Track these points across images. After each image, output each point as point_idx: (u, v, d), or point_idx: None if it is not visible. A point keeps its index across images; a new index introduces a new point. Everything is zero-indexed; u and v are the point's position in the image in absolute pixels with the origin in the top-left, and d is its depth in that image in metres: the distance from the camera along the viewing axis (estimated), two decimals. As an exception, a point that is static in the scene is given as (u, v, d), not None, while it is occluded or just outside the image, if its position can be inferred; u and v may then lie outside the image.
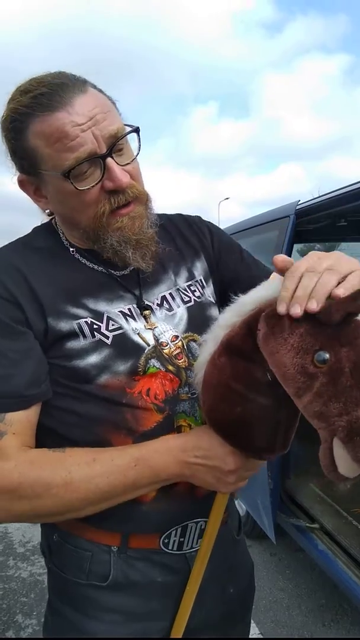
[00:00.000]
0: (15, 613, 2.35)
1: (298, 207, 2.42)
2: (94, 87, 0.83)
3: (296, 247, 3.29)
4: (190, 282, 0.97)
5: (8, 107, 0.81)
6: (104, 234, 0.84)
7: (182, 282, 0.96)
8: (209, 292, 0.99)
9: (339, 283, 0.66)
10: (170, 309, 0.91)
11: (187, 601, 0.89)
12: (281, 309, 0.67)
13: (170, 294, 0.93)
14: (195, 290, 0.96)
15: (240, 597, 1.00)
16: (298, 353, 0.65)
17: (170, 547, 0.88)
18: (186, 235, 1.02)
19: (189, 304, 0.93)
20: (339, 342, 0.64)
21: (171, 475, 0.80)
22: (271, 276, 0.81)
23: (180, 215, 1.07)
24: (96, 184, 0.80)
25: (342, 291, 0.64)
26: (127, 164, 0.83)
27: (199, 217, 1.07)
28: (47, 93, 0.77)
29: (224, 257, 1.03)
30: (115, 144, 0.80)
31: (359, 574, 1.90)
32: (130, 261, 0.86)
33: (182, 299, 0.94)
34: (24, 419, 0.80)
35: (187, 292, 0.95)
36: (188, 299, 0.94)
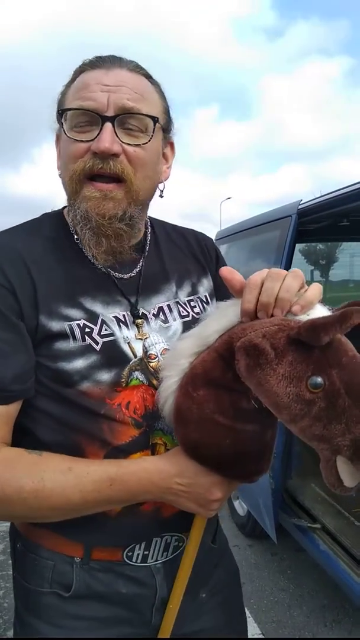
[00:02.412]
0: (17, 612, 2.35)
1: (300, 206, 2.42)
2: (148, 77, 0.85)
3: (298, 246, 3.28)
4: (191, 297, 0.94)
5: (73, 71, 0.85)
6: (74, 201, 0.81)
7: (183, 296, 0.93)
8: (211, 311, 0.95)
9: (299, 290, 0.68)
10: (165, 320, 0.89)
11: (168, 618, 0.88)
12: (245, 320, 0.70)
13: (169, 305, 0.90)
14: (195, 306, 0.93)
15: (217, 599, 0.96)
16: (291, 382, 0.64)
17: (134, 560, 0.85)
18: (196, 252, 0.99)
19: (186, 319, 0.90)
20: (328, 364, 0.64)
21: (151, 498, 0.79)
22: (222, 304, 0.77)
23: (193, 232, 1.05)
24: (87, 140, 0.79)
25: (302, 305, 0.67)
26: (129, 144, 0.80)
27: (211, 240, 1.05)
28: (102, 57, 0.83)
29: (222, 284, 1.02)
30: (121, 115, 0.79)
31: (360, 574, 1.90)
32: (85, 244, 0.82)
33: (179, 313, 0.91)
34: (3, 414, 0.77)
35: (187, 306, 0.92)
36: (186, 313, 0.91)
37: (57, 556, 0.84)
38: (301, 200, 2.49)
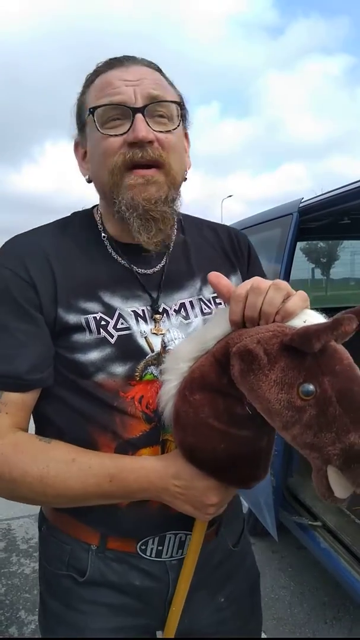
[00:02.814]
0: (18, 609, 2.36)
1: (301, 204, 2.42)
2: (160, 72, 0.89)
3: (299, 244, 3.28)
4: (217, 295, 0.93)
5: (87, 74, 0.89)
6: (117, 194, 0.83)
7: (208, 293, 0.93)
8: None
9: (283, 301, 0.69)
10: (187, 317, 0.89)
11: (172, 621, 0.89)
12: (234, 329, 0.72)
13: (191, 302, 0.91)
14: (220, 303, 0.92)
15: (235, 607, 0.97)
16: (282, 388, 0.64)
17: (148, 554, 0.87)
18: (226, 249, 0.99)
19: (208, 316, 0.90)
20: (321, 372, 0.63)
21: (148, 497, 0.80)
22: (221, 310, 0.79)
23: (227, 228, 1.05)
24: (121, 134, 0.82)
25: (291, 308, 0.68)
26: (160, 131, 0.83)
27: (245, 237, 1.05)
28: (115, 59, 0.87)
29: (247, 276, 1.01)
30: (149, 104, 0.82)
31: (361, 572, 1.90)
32: (134, 232, 0.84)
33: (201, 310, 0.91)
34: (20, 402, 0.81)
35: (211, 303, 0.92)
36: (209, 310, 0.91)
37: (74, 541, 0.88)
38: (302, 198, 2.48)
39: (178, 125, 0.86)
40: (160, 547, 0.87)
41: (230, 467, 0.76)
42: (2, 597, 2.44)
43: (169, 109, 0.85)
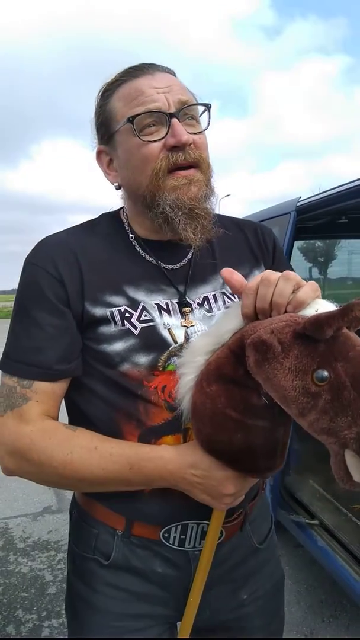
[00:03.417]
0: (16, 608, 2.36)
1: (299, 204, 2.42)
2: (175, 75, 0.93)
3: (297, 243, 3.28)
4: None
5: (105, 84, 0.93)
6: (159, 196, 0.87)
7: None
8: None
9: (294, 291, 0.71)
10: (210, 310, 0.92)
11: (189, 612, 0.90)
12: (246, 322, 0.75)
13: (214, 295, 0.94)
14: None
15: (258, 605, 0.99)
16: (297, 375, 0.65)
17: (171, 542, 0.89)
18: (251, 243, 1.03)
19: None
20: (334, 357, 0.65)
21: (166, 485, 0.83)
22: (236, 304, 0.81)
23: (253, 224, 1.08)
24: (159, 139, 0.86)
25: (302, 298, 0.70)
26: (194, 133, 0.88)
27: (270, 232, 1.08)
28: (135, 67, 0.90)
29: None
30: (182, 109, 0.87)
31: (358, 570, 1.90)
32: (180, 230, 0.88)
33: (224, 303, 0.94)
34: (49, 390, 0.86)
35: (234, 297, 0.95)
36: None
37: (101, 526, 0.92)
38: (300, 197, 2.49)
39: (208, 125, 0.92)
40: (182, 536, 0.89)
41: (246, 457, 0.78)
42: (0, 597, 2.44)
43: (196, 112, 0.91)
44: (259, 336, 0.67)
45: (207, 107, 0.92)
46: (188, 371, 0.80)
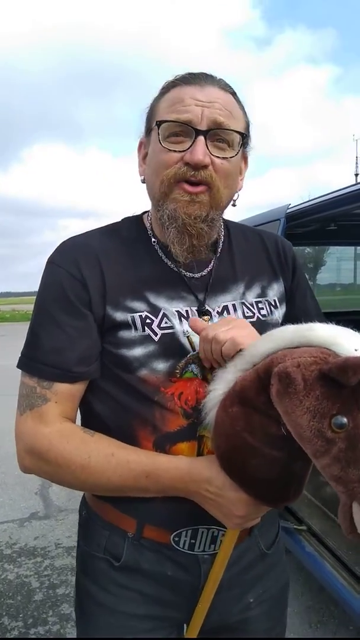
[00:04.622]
0: (2, 615, 2.33)
1: (288, 210, 2.44)
2: (235, 96, 0.91)
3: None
4: (259, 299, 0.97)
5: (166, 81, 0.92)
6: (163, 202, 0.88)
7: (251, 297, 0.97)
8: (279, 314, 0.99)
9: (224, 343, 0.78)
10: None
11: (197, 618, 0.91)
12: (206, 364, 0.84)
13: (234, 305, 0.95)
14: (262, 308, 0.97)
15: (264, 608, 1.00)
16: (315, 417, 0.62)
17: (181, 546, 0.90)
18: (271, 256, 1.03)
19: (250, 319, 0.94)
20: (357, 406, 0.61)
21: (182, 495, 0.84)
22: (275, 330, 0.79)
23: (274, 237, 1.08)
24: (180, 151, 0.85)
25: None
26: (218, 157, 0.86)
27: (290, 245, 1.08)
28: (194, 74, 0.89)
29: (296, 293, 1.05)
30: (214, 130, 0.85)
31: (345, 576, 1.91)
32: (169, 242, 0.89)
33: (244, 313, 0.94)
34: (68, 392, 0.87)
35: (253, 307, 0.96)
36: (251, 314, 0.95)
37: (112, 528, 0.93)
38: (289, 204, 2.51)
39: (236, 154, 0.89)
40: (193, 541, 0.90)
41: (259, 484, 0.77)
42: (-15, 603, 2.41)
43: (230, 137, 0.88)
44: (285, 367, 0.65)
45: (242, 135, 0.89)
46: (218, 387, 0.79)
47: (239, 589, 0.96)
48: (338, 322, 0.72)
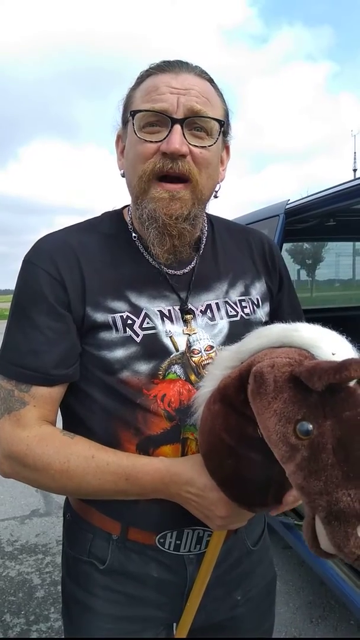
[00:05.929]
0: (3, 612, 2.34)
1: (287, 206, 2.43)
2: (213, 83, 0.88)
3: (285, 246, 3.30)
4: (242, 298, 0.95)
5: (140, 72, 0.89)
6: (141, 201, 0.85)
7: (234, 296, 0.94)
8: (263, 313, 0.97)
9: None
10: (212, 318, 0.91)
11: (186, 618, 0.90)
12: None
13: (217, 304, 0.92)
14: (246, 307, 0.94)
15: (251, 605, 0.99)
16: (280, 420, 0.60)
17: (166, 547, 0.89)
18: (254, 255, 1.01)
19: (233, 318, 0.92)
20: (323, 414, 0.58)
21: (162, 497, 0.82)
22: (265, 327, 0.76)
23: (260, 235, 1.06)
24: (156, 141, 0.82)
25: None
26: (196, 145, 0.83)
27: (276, 246, 1.06)
28: (169, 62, 0.86)
29: (282, 298, 1.03)
30: (191, 117, 0.82)
31: (346, 571, 1.91)
32: (149, 243, 0.86)
33: (227, 312, 0.92)
34: (46, 395, 0.84)
35: (237, 306, 0.93)
36: (234, 313, 0.93)
37: (97, 530, 0.91)
38: (289, 200, 2.50)
39: (215, 142, 0.85)
40: (178, 542, 0.89)
41: (235, 485, 0.75)
42: (-13, 601, 2.42)
43: (209, 125, 0.84)
44: (261, 367, 0.63)
45: (220, 123, 0.86)
46: (207, 384, 0.78)
47: (226, 587, 0.96)
48: (337, 318, 0.71)
